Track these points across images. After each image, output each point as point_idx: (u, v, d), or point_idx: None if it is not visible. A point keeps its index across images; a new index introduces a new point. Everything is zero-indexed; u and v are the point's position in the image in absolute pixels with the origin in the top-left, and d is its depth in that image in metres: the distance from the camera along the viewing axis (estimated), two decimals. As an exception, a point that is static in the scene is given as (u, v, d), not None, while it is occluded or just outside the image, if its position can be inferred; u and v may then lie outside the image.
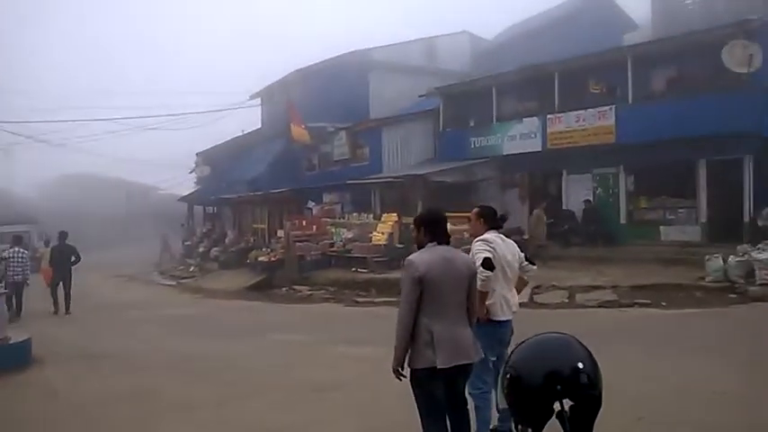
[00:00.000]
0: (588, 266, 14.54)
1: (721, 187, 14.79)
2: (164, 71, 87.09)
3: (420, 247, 3.94)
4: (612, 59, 16.59)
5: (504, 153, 18.31)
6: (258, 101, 29.95)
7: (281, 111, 24.11)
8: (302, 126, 22.10)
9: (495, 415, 4.37)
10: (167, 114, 44.55)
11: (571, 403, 1.97)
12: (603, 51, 17.35)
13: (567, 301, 12.09)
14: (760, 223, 13.67)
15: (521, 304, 11.87)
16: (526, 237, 17.77)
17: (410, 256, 3.86)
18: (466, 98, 20.17)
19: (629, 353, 7.35)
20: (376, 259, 16.31)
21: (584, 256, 15.46)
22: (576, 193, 17.21)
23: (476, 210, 4.74)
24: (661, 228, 15.72)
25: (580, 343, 2.00)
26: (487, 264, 4.27)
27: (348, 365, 7.44)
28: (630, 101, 15.85)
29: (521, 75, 18.69)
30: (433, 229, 3.91)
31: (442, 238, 3.89)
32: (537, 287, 12.99)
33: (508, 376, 1.96)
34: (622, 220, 16.55)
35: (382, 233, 17.21)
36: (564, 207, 17.50)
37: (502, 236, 4.65)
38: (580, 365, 1.89)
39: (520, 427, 1.95)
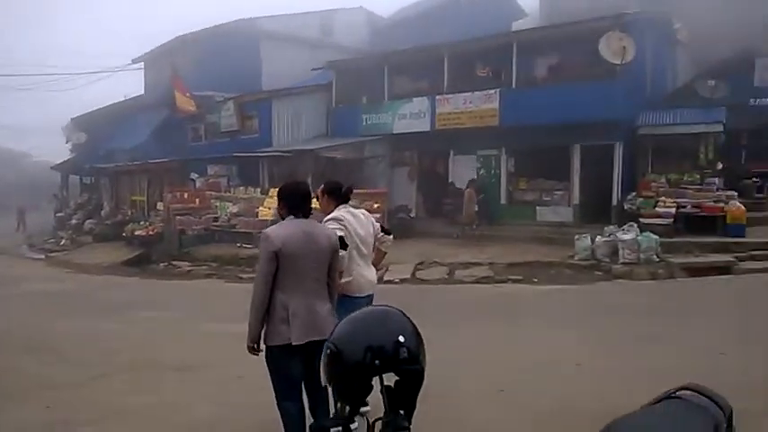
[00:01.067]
0: (470, 244, 15.03)
1: (593, 171, 15.70)
2: (37, 28, 79.85)
3: (282, 220, 3.79)
4: (499, 44, 17.04)
5: (395, 131, 18.43)
6: (141, 65, 28.21)
7: (166, 77, 22.80)
8: (187, 94, 21.04)
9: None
10: (40, 74, 40.67)
11: (396, 378, 1.92)
12: (491, 36, 17.78)
13: (447, 276, 12.43)
14: (626, 207, 14.64)
15: (402, 280, 12.26)
16: (413, 215, 18.14)
17: (266, 230, 3.69)
18: (359, 75, 20.03)
19: (496, 327, 7.64)
20: (262, 234, 15.91)
21: (467, 233, 15.94)
22: (462, 174, 17.64)
23: (321, 187, 4.64)
24: (537, 208, 16.53)
25: (405, 316, 1.94)
26: (341, 242, 4.17)
27: (217, 343, 7.16)
28: (514, 85, 16.40)
29: (412, 54, 18.84)
30: (292, 201, 3.74)
31: (303, 211, 3.74)
32: (420, 263, 13.33)
33: (328, 351, 1.86)
34: (503, 201, 17.20)
35: (269, 208, 16.80)
36: (455, 186, 17.88)
37: (352, 210, 4.51)
38: (401, 339, 1.82)
39: (339, 404, 1.87)
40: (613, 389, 4.94)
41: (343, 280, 4.26)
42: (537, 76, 16.88)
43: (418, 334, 1.91)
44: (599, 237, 12.69)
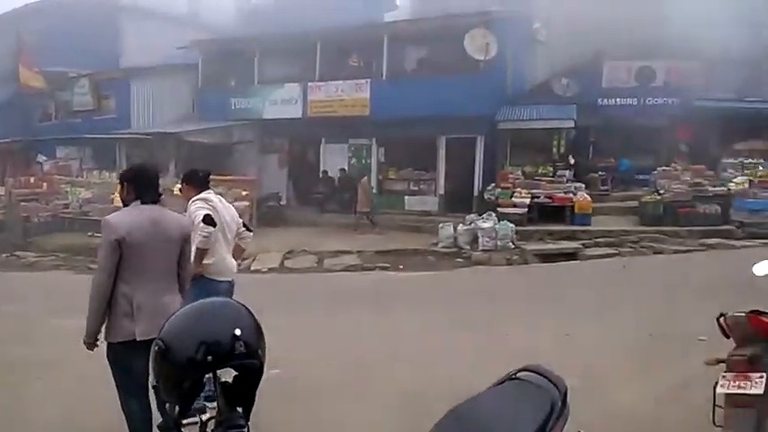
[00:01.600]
0: (339, 233, 15.10)
1: (457, 163, 16.40)
2: None
3: (125, 206, 3.51)
4: (371, 35, 17.24)
5: (265, 117, 18.05)
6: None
7: (10, 49, 20.60)
8: (34, 69, 19.20)
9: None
10: None
11: (235, 373, 1.83)
12: (363, 26, 17.92)
13: (316, 265, 12.43)
14: (486, 197, 15.37)
15: (270, 269, 12.04)
16: (283, 202, 17.88)
17: (108, 217, 3.40)
18: (228, 56, 19.29)
19: (359, 315, 7.71)
20: (119, 222, 14.89)
21: (338, 222, 16.01)
22: (333, 162, 17.67)
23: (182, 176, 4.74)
24: (406, 198, 17.03)
25: (243, 308, 1.84)
26: (209, 219, 4.20)
27: (62, 340, 6.53)
28: (384, 76, 16.63)
29: (284, 39, 18.47)
30: (138, 185, 3.46)
31: (150, 195, 3.48)
32: (289, 252, 13.19)
33: (156, 348, 1.73)
34: (374, 190, 17.39)
35: (126, 194, 15.77)
36: (327, 175, 17.83)
37: (221, 197, 4.55)
38: (237, 332, 1.73)
39: (168, 405, 1.75)
40: (467, 371, 5.15)
41: (206, 261, 4.27)
42: (406, 68, 17.23)
43: (258, 326, 1.83)
44: (461, 225, 13.26)
